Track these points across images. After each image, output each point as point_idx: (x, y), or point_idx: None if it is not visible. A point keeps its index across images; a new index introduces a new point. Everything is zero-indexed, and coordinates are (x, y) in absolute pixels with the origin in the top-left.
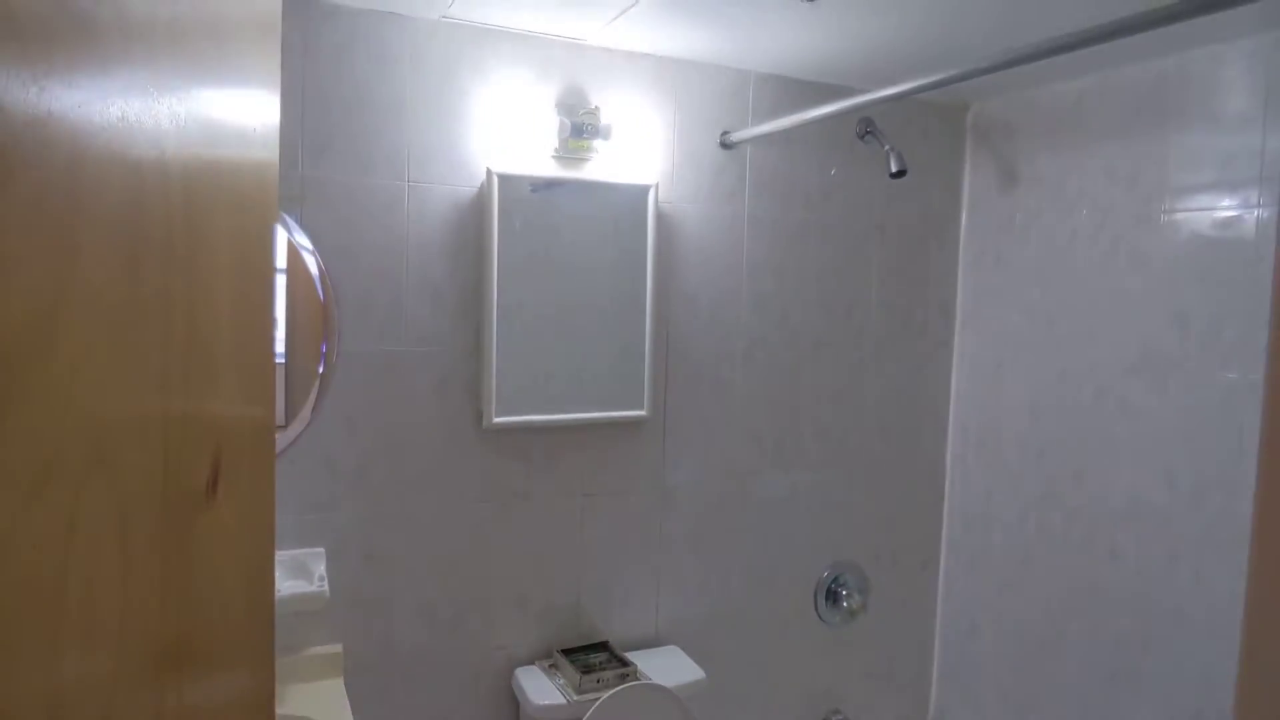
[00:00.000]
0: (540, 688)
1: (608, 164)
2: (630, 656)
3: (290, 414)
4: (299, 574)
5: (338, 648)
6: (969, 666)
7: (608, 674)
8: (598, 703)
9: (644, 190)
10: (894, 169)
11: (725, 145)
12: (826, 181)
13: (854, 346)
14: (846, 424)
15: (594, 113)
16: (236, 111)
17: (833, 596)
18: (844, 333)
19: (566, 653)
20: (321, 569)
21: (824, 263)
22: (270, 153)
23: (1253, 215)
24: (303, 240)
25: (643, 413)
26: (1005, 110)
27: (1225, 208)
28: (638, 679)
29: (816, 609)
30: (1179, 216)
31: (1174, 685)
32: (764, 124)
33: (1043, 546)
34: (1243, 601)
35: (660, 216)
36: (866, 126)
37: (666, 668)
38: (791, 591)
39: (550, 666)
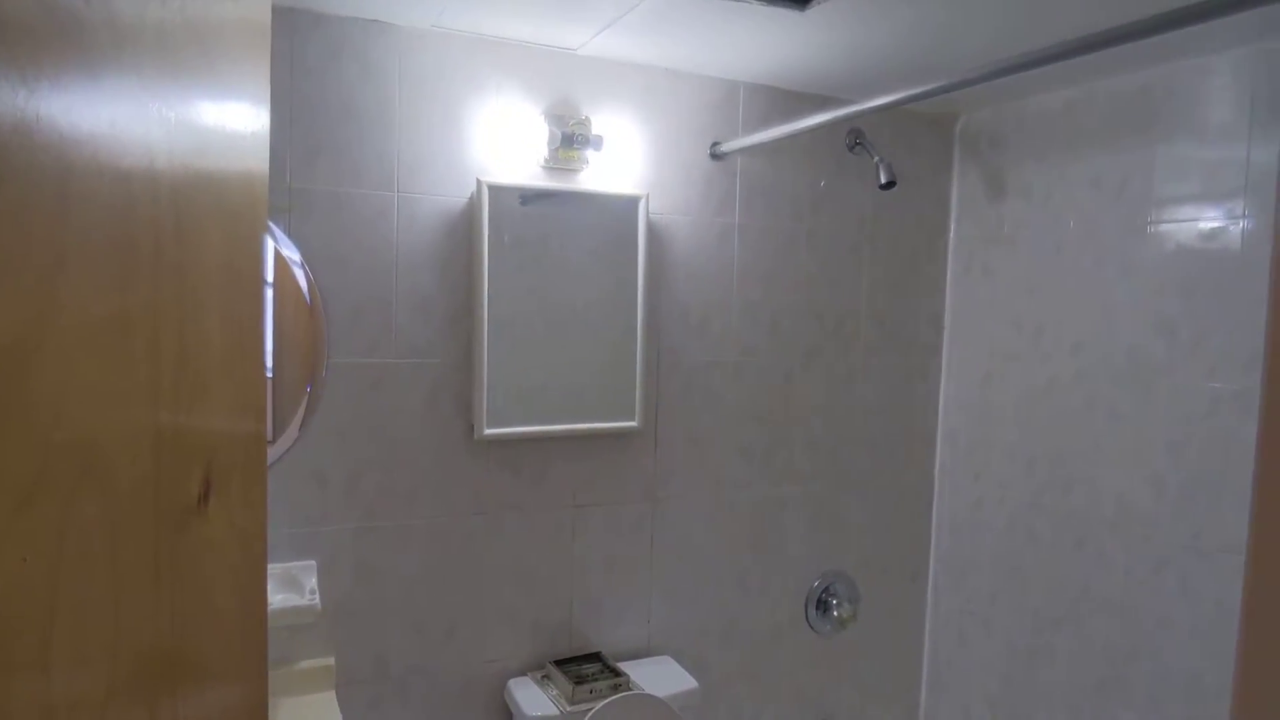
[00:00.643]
0: (533, 699)
1: (598, 175)
2: (623, 667)
3: (278, 428)
4: (290, 587)
5: (329, 660)
6: (957, 675)
7: (601, 684)
8: (591, 713)
9: (634, 201)
10: (884, 180)
11: (715, 156)
12: (816, 192)
13: (844, 357)
14: (836, 434)
15: (584, 123)
16: (226, 119)
17: (823, 606)
18: (834, 343)
19: (559, 663)
20: (313, 582)
21: (814, 273)
22: (260, 161)
23: (1238, 226)
24: (290, 251)
25: (634, 424)
26: (994, 120)
27: (1210, 218)
28: (630, 689)
29: (807, 618)
30: (1165, 227)
31: (1161, 693)
32: (754, 134)
33: (1031, 555)
34: (1229, 609)
35: (651, 227)
36: (856, 138)
37: (659, 677)
38: (783, 601)
39: (543, 678)
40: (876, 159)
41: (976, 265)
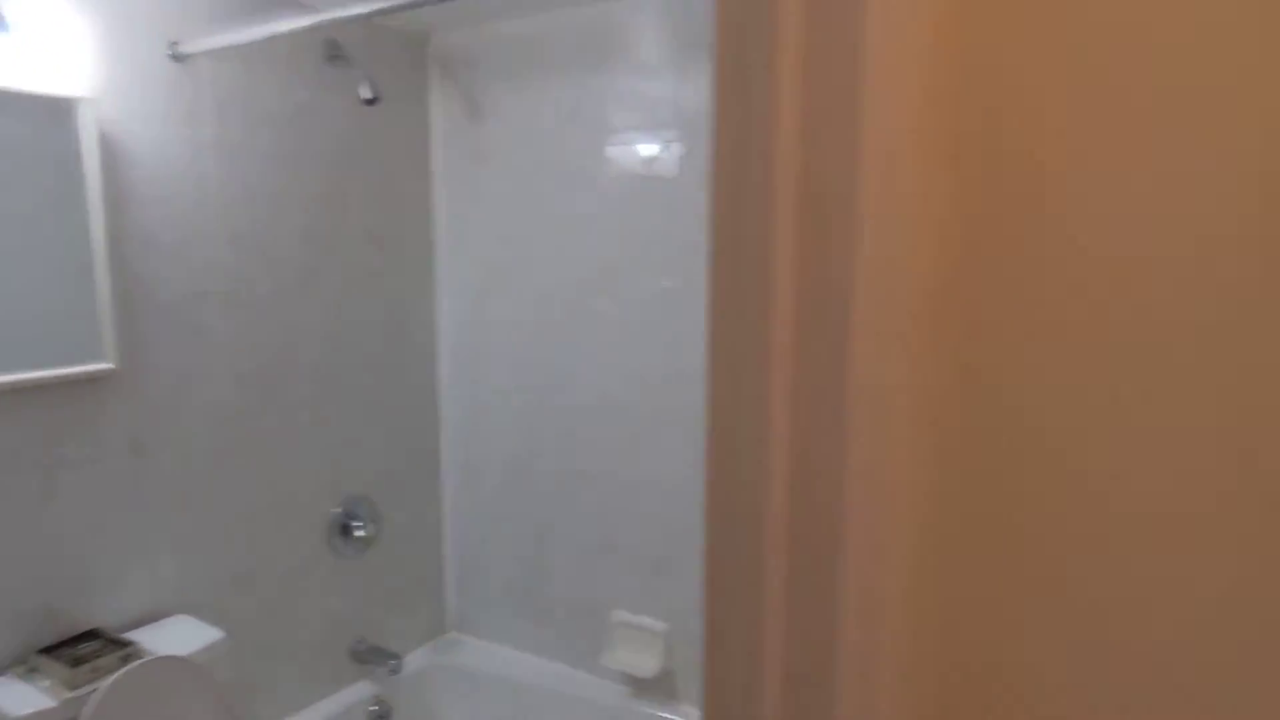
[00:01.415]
0: (19, 697)
1: (18, 69)
2: (131, 636)
3: None
4: None
5: None
6: (479, 571)
7: (105, 660)
8: (98, 692)
9: (73, 104)
10: (366, 96)
11: (177, 58)
12: (298, 106)
13: (341, 279)
14: (339, 359)
15: None
16: None
17: (345, 530)
18: (330, 266)
19: (47, 651)
20: None
21: (305, 194)
22: None
23: (672, 152)
24: None
25: (109, 365)
26: (466, 44)
27: (651, 143)
28: (143, 656)
29: (331, 545)
30: (618, 150)
31: (645, 543)
32: (215, 37)
33: (534, 450)
34: (693, 464)
35: (104, 139)
36: (334, 50)
37: (177, 637)
38: (303, 533)
39: (29, 671)
40: (358, 73)
41: (465, 185)
